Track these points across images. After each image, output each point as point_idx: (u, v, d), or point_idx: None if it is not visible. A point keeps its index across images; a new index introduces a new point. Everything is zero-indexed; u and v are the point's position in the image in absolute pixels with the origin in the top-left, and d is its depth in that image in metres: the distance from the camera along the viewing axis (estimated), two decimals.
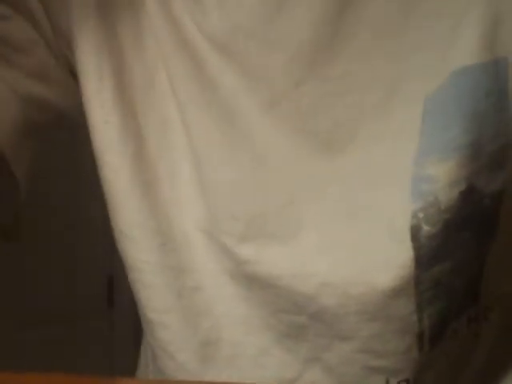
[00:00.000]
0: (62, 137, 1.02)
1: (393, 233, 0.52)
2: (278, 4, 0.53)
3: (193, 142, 0.57)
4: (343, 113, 0.54)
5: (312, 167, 0.55)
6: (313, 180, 0.55)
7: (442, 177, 0.51)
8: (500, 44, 0.51)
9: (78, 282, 1.42)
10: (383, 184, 0.53)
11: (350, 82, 0.53)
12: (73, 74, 0.60)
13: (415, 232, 0.52)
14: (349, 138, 0.54)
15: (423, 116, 0.52)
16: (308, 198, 0.55)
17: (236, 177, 0.56)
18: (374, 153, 0.54)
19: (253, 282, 0.57)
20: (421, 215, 0.52)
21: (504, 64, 0.51)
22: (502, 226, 0.54)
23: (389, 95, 0.53)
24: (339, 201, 0.54)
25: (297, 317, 0.56)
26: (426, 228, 0.52)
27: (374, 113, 0.53)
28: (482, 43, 0.51)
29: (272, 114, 0.55)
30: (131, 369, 0.71)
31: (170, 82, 0.57)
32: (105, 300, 1.45)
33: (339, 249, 0.54)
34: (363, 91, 0.53)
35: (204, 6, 0.55)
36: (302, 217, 0.55)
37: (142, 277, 0.59)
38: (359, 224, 0.54)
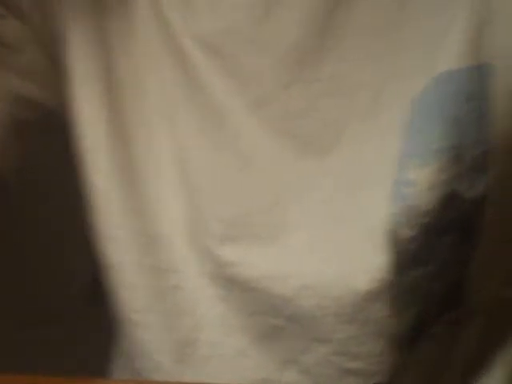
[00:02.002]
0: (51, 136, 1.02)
1: (372, 235, 0.52)
2: (267, 6, 0.54)
3: (179, 142, 0.58)
4: (331, 114, 0.54)
5: (298, 169, 0.55)
6: (298, 182, 0.55)
7: (422, 180, 0.51)
8: (483, 50, 0.51)
9: (59, 281, 1.42)
10: (366, 186, 0.53)
11: (338, 83, 0.54)
12: (62, 73, 0.60)
13: (393, 235, 0.52)
14: (336, 139, 0.54)
15: (407, 119, 0.52)
16: (293, 200, 0.55)
17: (221, 178, 0.56)
18: (359, 155, 0.54)
19: (233, 283, 0.57)
20: (400, 218, 0.52)
21: (487, 70, 0.51)
22: (485, 231, 0.54)
23: (376, 97, 0.53)
24: (323, 203, 0.55)
25: (274, 319, 0.56)
26: (405, 232, 0.52)
27: (361, 114, 0.54)
28: (467, 48, 0.51)
29: (260, 115, 0.55)
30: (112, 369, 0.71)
31: (158, 83, 0.58)
32: (87, 300, 1.44)
33: (322, 251, 0.54)
34: (351, 93, 0.54)
35: (194, 8, 0.56)
36: (286, 218, 0.55)
37: (122, 276, 0.59)
38: (341, 226, 0.54)
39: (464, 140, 0.52)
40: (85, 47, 0.58)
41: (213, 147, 0.57)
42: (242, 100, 0.56)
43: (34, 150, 0.65)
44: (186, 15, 0.56)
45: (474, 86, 0.51)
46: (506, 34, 0.51)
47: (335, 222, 0.54)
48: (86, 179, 0.59)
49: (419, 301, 0.54)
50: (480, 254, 0.55)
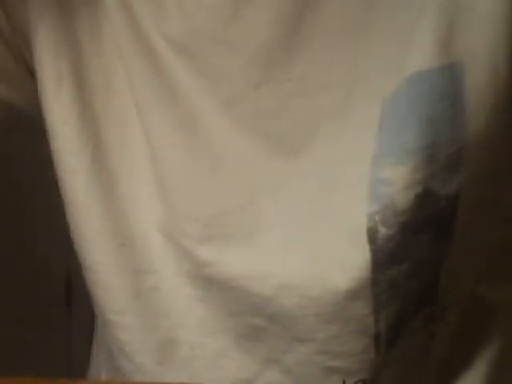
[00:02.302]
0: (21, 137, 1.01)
1: (350, 235, 0.53)
2: (237, 6, 0.53)
3: (151, 142, 0.57)
4: (302, 114, 0.54)
5: (271, 168, 0.55)
6: (272, 181, 0.55)
7: (397, 180, 0.52)
8: (455, 48, 0.51)
9: (34, 281, 1.41)
10: (342, 185, 0.53)
11: (308, 83, 0.54)
12: (31, 73, 0.59)
13: (372, 234, 0.52)
14: (308, 139, 0.54)
15: (380, 118, 0.52)
16: (267, 199, 0.55)
17: (195, 178, 0.56)
18: (332, 154, 0.54)
19: (211, 283, 0.57)
20: (377, 218, 0.52)
21: (459, 68, 0.51)
22: (459, 229, 0.55)
23: (347, 97, 0.53)
24: (298, 202, 0.55)
25: (254, 319, 0.56)
26: (382, 230, 0.52)
27: (332, 114, 0.54)
28: (437, 47, 0.51)
29: (231, 115, 0.55)
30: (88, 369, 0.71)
31: (129, 83, 0.57)
32: (62, 300, 1.44)
33: (298, 250, 0.54)
34: (322, 93, 0.54)
35: (164, 8, 0.55)
36: (261, 218, 0.55)
37: (100, 278, 0.59)
38: (318, 225, 0.54)
39: (438, 139, 0.52)
40: (53, 47, 0.57)
41: (186, 147, 0.56)
42: (213, 100, 0.55)
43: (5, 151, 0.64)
44: (155, 15, 0.56)
45: (446, 85, 0.52)
46: (476, 33, 0.51)
47: (311, 221, 0.54)
48: (60, 180, 0.59)
49: (398, 299, 0.54)
50: (454, 251, 0.55)
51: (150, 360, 0.59)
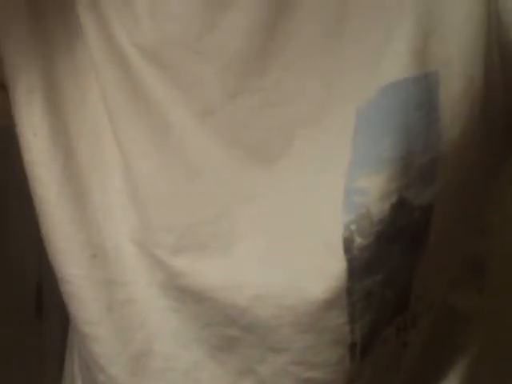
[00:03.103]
0: None
1: (326, 244, 0.52)
2: (211, 15, 0.53)
3: (124, 152, 0.57)
4: (277, 123, 0.54)
5: (247, 178, 0.55)
6: (247, 190, 0.55)
7: (373, 189, 0.51)
8: (430, 58, 0.51)
9: (5, 289, 1.39)
10: (317, 194, 0.53)
11: (282, 92, 0.54)
12: (2, 84, 0.59)
13: (348, 244, 0.52)
14: (283, 148, 0.54)
15: (355, 127, 0.52)
16: (242, 209, 0.55)
17: (169, 188, 0.56)
18: (307, 163, 0.54)
19: (185, 294, 0.56)
20: (353, 227, 0.52)
21: (434, 77, 0.51)
22: (431, 239, 0.55)
23: (322, 105, 0.53)
24: (274, 211, 0.55)
25: (229, 329, 0.55)
26: (358, 240, 0.52)
27: (307, 122, 0.54)
28: (412, 57, 0.51)
29: (206, 125, 0.55)
30: (60, 379, 0.71)
31: (102, 93, 0.57)
32: (33, 310, 1.43)
33: (273, 260, 0.54)
34: (296, 101, 0.54)
35: (135, 16, 0.55)
36: (236, 228, 0.55)
37: (72, 289, 0.58)
38: (294, 235, 0.54)
39: (413, 148, 0.52)
40: (25, 59, 0.57)
41: (159, 156, 0.56)
42: (186, 109, 0.55)
43: None
44: (128, 23, 0.55)
45: (421, 95, 0.51)
46: (451, 42, 0.51)
47: (287, 231, 0.54)
48: (32, 191, 0.58)
49: (373, 308, 0.54)
50: (426, 260, 0.56)
51: (123, 372, 0.59)
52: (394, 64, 0.51)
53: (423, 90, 0.51)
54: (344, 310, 0.53)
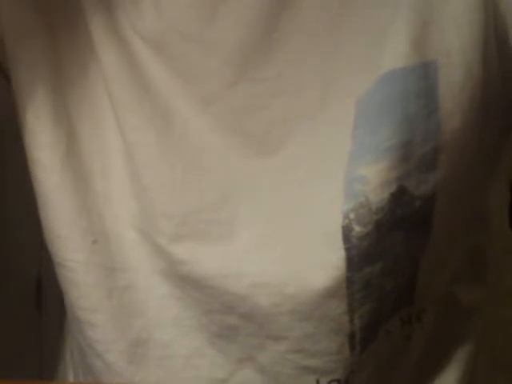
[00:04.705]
0: None
1: (326, 233, 0.53)
2: (213, 5, 0.53)
3: (126, 139, 0.57)
4: (277, 114, 0.54)
5: (247, 166, 0.55)
6: (248, 179, 0.55)
7: (373, 178, 0.52)
8: (429, 47, 0.51)
9: (5, 283, 1.39)
10: (317, 184, 0.54)
11: (283, 83, 0.54)
12: (3, 70, 0.59)
13: (347, 232, 0.52)
14: (283, 137, 0.54)
15: (355, 117, 0.52)
16: (242, 198, 0.55)
17: (170, 176, 0.56)
18: (308, 153, 0.54)
19: (186, 282, 0.56)
20: (352, 216, 0.52)
21: (433, 67, 0.52)
22: (434, 229, 0.55)
23: (322, 96, 0.53)
24: (274, 200, 0.55)
25: (228, 317, 0.56)
26: (357, 229, 0.52)
27: (308, 113, 0.54)
28: (411, 46, 0.51)
29: (206, 114, 0.55)
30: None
31: (104, 80, 0.57)
32: (33, 302, 1.43)
33: (273, 248, 0.54)
34: (297, 92, 0.54)
35: (139, 5, 0.55)
36: (236, 216, 0.55)
37: (71, 275, 0.58)
38: (293, 223, 0.54)
39: (413, 137, 0.52)
40: (28, 43, 0.56)
41: (160, 144, 0.56)
42: (188, 98, 0.55)
43: None
44: (131, 12, 0.55)
45: (421, 84, 0.52)
46: (450, 32, 0.51)
47: (287, 219, 0.55)
48: (33, 176, 0.58)
49: (373, 298, 0.54)
50: (429, 251, 0.56)
51: (120, 359, 0.59)
52: (394, 53, 0.51)
53: (422, 78, 0.52)
54: (343, 299, 0.53)
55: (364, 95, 0.52)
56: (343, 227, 0.52)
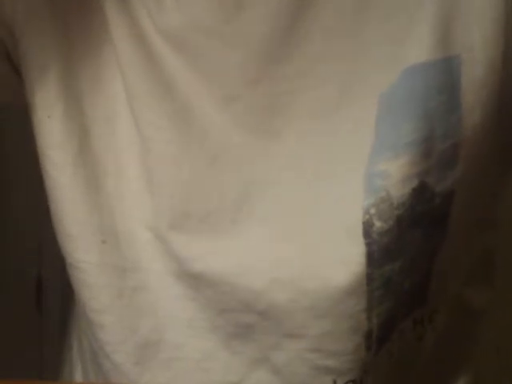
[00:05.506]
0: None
1: (346, 228, 0.52)
2: (234, 2, 0.53)
3: (144, 136, 0.56)
4: (299, 110, 0.54)
5: (266, 164, 0.55)
6: (267, 177, 0.55)
7: (394, 173, 0.51)
8: (453, 41, 0.51)
9: (5, 282, 1.39)
10: (338, 179, 0.53)
11: (304, 80, 0.53)
12: (16, 70, 0.58)
13: (367, 228, 0.52)
14: (303, 135, 0.54)
15: (377, 113, 0.52)
16: (262, 194, 0.55)
17: (189, 173, 0.55)
18: (329, 149, 0.53)
19: (200, 281, 0.55)
20: (372, 211, 0.52)
21: (457, 61, 0.51)
22: (451, 227, 0.54)
23: (344, 92, 0.53)
24: (293, 196, 0.54)
25: (244, 315, 0.55)
26: (377, 224, 0.52)
27: (329, 110, 0.53)
28: (434, 41, 0.51)
29: (228, 111, 0.54)
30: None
31: (122, 77, 0.56)
32: (33, 302, 1.43)
33: (291, 243, 0.54)
34: (318, 88, 0.53)
35: (161, 2, 0.54)
36: (254, 212, 0.55)
37: (83, 277, 0.58)
38: (312, 219, 0.54)
39: (434, 133, 0.52)
40: (42, 40, 0.56)
41: (181, 141, 0.55)
42: (209, 96, 0.55)
43: None
44: (152, 9, 0.55)
45: (443, 79, 0.52)
46: (474, 27, 0.51)
47: (306, 215, 0.54)
48: (45, 175, 0.57)
49: (391, 296, 0.54)
50: (444, 250, 0.55)
51: (128, 360, 0.58)
52: (416, 48, 0.51)
53: (445, 73, 0.51)
54: (363, 296, 0.52)
55: (387, 90, 0.52)
56: (364, 223, 0.52)
